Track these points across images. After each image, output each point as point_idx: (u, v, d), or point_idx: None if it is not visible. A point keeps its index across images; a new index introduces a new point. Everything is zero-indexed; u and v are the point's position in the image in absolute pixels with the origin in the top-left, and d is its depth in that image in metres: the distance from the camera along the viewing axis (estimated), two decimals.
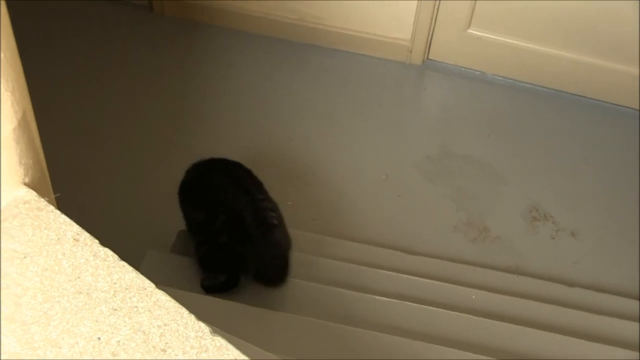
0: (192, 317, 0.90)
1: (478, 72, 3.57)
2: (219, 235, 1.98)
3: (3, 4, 0.90)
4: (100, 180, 2.84)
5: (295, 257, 2.22)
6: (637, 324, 2.28)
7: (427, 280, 2.32)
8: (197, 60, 3.50)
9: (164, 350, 0.86)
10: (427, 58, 3.59)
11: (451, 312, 2.14)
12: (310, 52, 3.60)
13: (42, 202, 1.01)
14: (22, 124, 0.98)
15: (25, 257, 0.94)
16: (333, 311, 2.05)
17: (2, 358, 0.84)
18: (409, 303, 2.13)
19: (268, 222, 1.97)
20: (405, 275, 2.32)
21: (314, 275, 2.21)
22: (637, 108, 3.41)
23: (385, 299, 2.13)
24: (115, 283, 0.92)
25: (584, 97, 3.47)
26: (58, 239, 0.97)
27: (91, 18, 3.66)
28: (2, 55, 0.90)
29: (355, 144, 3.18)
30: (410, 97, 3.59)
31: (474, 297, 2.29)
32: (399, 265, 2.44)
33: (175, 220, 2.34)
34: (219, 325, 0.97)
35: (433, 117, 3.42)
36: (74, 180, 2.72)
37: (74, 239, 0.97)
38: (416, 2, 3.36)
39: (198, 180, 2.14)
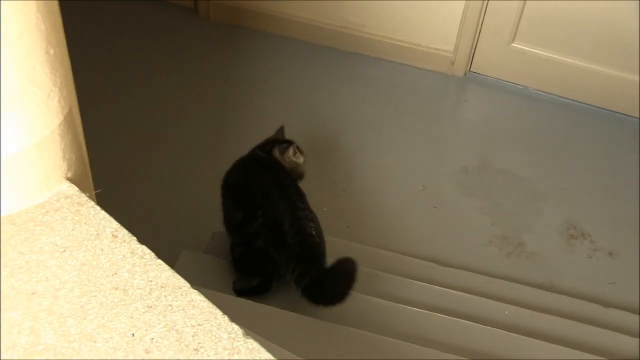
0: (226, 318, 0.90)
1: (520, 87, 3.53)
2: (256, 238, 1.97)
3: (56, 2, 0.92)
4: (140, 179, 2.87)
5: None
6: None
7: (460, 293, 2.29)
8: (241, 64, 3.53)
9: (196, 350, 0.86)
10: (470, 70, 3.57)
11: (483, 326, 2.11)
12: (353, 61, 3.60)
13: (83, 198, 1.02)
14: (68, 119, 0.99)
15: (64, 251, 0.95)
16: (364, 319, 2.03)
17: (39, 349, 0.84)
18: (441, 315, 2.11)
19: (306, 232, 1.95)
20: (438, 287, 2.30)
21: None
22: None
23: (417, 309, 2.11)
24: (151, 281, 0.93)
25: (628, 115, 3.41)
26: (97, 234, 0.98)
27: (137, 19, 3.71)
28: (52, 51, 0.91)
29: (394, 153, 3.16)
30: (450, 109, 3.57)
31: (507, 312, 2.26)
32: (432, 276, 2.42)
33: (210, 222, 2.36)
34: (252, 328, 0.97)
35: (473, 130, 3.39)
36: (114, 178, 2.76)
37: (113, 235, 0.98)
38: (461, 13, 3.35)
39: (242, 177, 2.14)
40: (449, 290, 2.30)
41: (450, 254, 2.71)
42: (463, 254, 2.72)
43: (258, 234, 1.96)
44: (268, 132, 2.99)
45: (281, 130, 2.38)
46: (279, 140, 2.29)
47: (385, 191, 2.96)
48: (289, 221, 1.94)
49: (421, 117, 3.37)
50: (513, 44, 3.41)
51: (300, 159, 2.23)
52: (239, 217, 2.03)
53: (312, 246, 1.95)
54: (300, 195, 2.06)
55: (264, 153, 2.23)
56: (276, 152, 2.22)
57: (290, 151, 2.21)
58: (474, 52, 3.49)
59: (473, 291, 2.33)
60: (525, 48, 3.40)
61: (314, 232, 1.96)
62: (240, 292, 2.05)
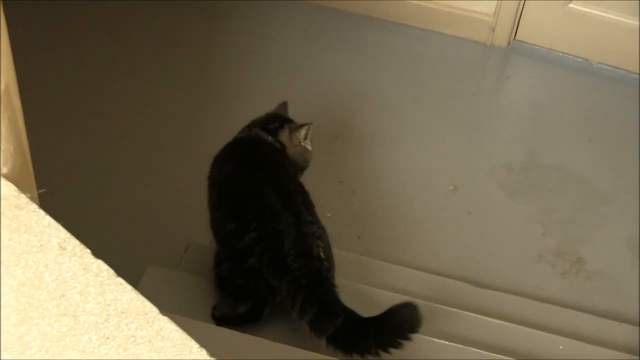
0: (204, 352, 0.90)
1: (580, 60, 3.52)
2: (247, 256, 1.95)
3: None
4: (96, 176, 2.87)
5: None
6: None
7: (501, 322, 2.29)
8: (225, 32, 3.52)
9: None
10: (514, 39, 3.56)
11: None
12: (366, 27, 3.60)
13: (23, 199, 1.02)
14: (4, 100, 0.99)
15: None
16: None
17: None
18: (476, 350, 2.11)
19: (312, 254, 1.92)
20: (473, 314, 2.30)
21: (356, 308, 2.19)
22: None
23: (445, 342, 2.11)
24: (108, 305, 0.93)
25: None
26: (40, 245, 0.98)
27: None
28: None
29: (418, 144, 3.16)
30: (490, 88, 3.56)
31: (561, 347, 2.25)
32: (465, 301, 2.42)
33: (185, 230, 2.36)
34: None
35: (518, 115, 3.38)
36: (63, 174, 2.76)
37: (60, 247, 0.98)
38: None
39: (236, 174, 2.11)
40: (487, 318, 2.29)
41: (489, 272, 2.70)
42: (505, 272, 2.72)
43: (250, 251, 1.93)
44: (258, 112, 2.99)
45: (284, 105, 2.36)
46: (286, 119, 2.27)
47: (405, 192, 2.96)
48: (291, 238, 1.91)
49: (453, 99, 3.37)
50: (570, 4, 3.40)
51: (309, 146, 2.22)
52: (230, 227, 2.01)
53: (319, 273, 1.92)
54: (308, 204, 2.03)
55: (266, 133, 2.21)
56: (284, 135, 2.20)
57: (303, 132, 2.19)
58: (520, 16, 3.48)
59: (518, 319, 2.33)
60: (586, 10, 3.40)
61: (322, 255, 1.93)
62: (221, 320, 2.03)
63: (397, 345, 1.81)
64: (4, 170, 1.03)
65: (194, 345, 0.90)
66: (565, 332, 2.33)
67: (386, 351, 1.81)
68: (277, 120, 2.25)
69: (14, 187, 1.03)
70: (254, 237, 1.93)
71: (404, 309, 1.85)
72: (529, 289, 2.66)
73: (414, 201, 2.94)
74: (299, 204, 1.99)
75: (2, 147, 1.01)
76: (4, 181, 1.03)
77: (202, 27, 3.56)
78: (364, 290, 2.30)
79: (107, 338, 0.90)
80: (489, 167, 3.09)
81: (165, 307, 0.95)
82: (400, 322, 1.84)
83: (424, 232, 2.85)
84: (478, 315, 2.30)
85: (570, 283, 2.72)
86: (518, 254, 2.81)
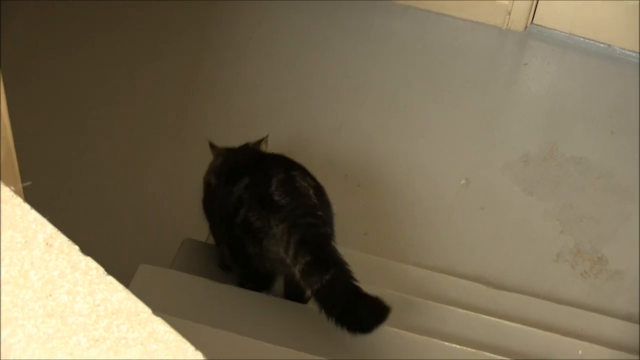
0: (199, 355, 0.90)
1: (602, 45, 3.52)
2: (238, 209, 1.98)
3: None
4: (84, 169, 2.88)
5: None
6: None
7: (517, 325, 2.29)
8: (217, 18, 3.52)
9: None
10: (532, 23, 3.56)
11: None
12: (374, 11, 3.59)
13: (7, 192, 1.02)
14: None
15: None
16: (386, 357, 2.03)
17: None
18: (490, 355, 2.11)
19: (302, 192, 1.98)
20: (486, 317, 2.30)
21: None
22: None
23: (457, 346, 2.11)
24: (98, 305, 0.93)
25: None
26: (25, 242, 0.98)
27: None
28: None
29: (428, 135, 3.16)
30: (505, 76, 3.55)
31: (580, 352, 2.25)
32: (478, 302, 2.42)
33: (179, 226, 2.36)
34: None
35: (535, 105, 3.37)
36: (50, 166, 2.76)
37: (47, 243, 0.98)
38: None
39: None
40: (501, 321, 2.29)
41: (504, 272, 2.70)
42: (521, 272, 2.72)
43: (240, 201, 1.98)
44: (257, 108, 3.00)
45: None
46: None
47: (415, 187, 2.96)
48: (279, 179, 1.98)
49: (465, 88, 3.36)
50: None
51: None
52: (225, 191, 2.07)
53: (312, 215, 1.96)
54: (304, 169, 2.10)
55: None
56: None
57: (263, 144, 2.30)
58: None
59: (535, 322, 2.33)
60: None
61: (315, 201, 1.98)
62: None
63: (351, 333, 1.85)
64: None
65: (189, 347, 0.90)
66: (584, 336, 2.33)
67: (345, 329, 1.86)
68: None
69: None
70: (244, 185, 2.00)
71: (380, 306, 1.88)
72: (546, 290, 2.67)
73: (423, 196, 2.94)
74: (294, 167, 2.08)
75: None
76: None
77: (201, 16, 3.55)
78: (371, 291, 2.30)
79: (97, 340, 0.90)
80: (503, 160, 3.09)
81: (159, 308, 0.95)
82: (365, 317, 1.88)
83: (434, 229, 2.85)
84: (491, 318, 2.30)
85: (591, 284, 2.72)
86: (535, 253, 2.81)
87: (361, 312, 1.88)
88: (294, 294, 2.12)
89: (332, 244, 1.96)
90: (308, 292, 1.89)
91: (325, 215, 2.00)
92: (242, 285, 2.14)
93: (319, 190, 2.05)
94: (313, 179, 2.07)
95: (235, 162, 2.17)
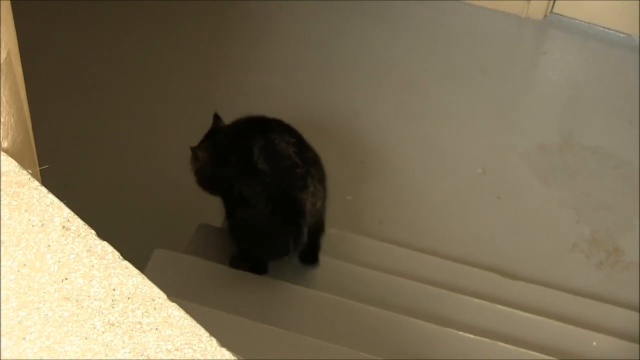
0: (214, 341, 0.90)
1: (622, 35, 3.50)
2: (230, 184, 2.05)
3: None
4: (101, 152, 2.88)
5: (355, 271, 2.21)
6: None
7: (531, 316, 2.29)
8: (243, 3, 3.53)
9: None
10: (551, 11, 3.54)
11: None
12: None
13: (24, 176, 1.03)
14: (5, 69, 0.99)
15: None
16: (399, 346, 2.04)
17: None
18: (505, 345, 2.11)
19: (283, 153, 2.03)
20: (501, 307, 2.30)
21: (378, 297, 2.20)
22: None
23: (471, 336, 2.11)
24: (114, 289, 0.93)
25: None
26: (42, 225, 0.98)
27: None
28: None
29: (444, 123, 3.15)
30: (524, 64, 3.54)
31: (594, 343, 2.25)
32: (493, 292, 2.42)
33: (195, 211, 2.36)
34: (249, 353, 0.98)
35: (553, 93, 3.36)
36: (67, 150, 2.77)
37: (63, 227, 0.98)
38: None
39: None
40: (516, 311, 2.29)
41: (519, 262, 2.69)
42: (536, 262, 2.71)
43: (230, 178, 2.06)
44: (274, 90, 2.99)
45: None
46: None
47: (430, 174, 2.95)
48: (259, 145, 2.02)
49: (483, 75, 3.35)
50: None
51: None
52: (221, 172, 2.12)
53: (289, 170, 2.03)
54: (293, 131, 2.14)
55: None
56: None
57: None
58: None
59: (549, 313, 2.32)
60: None
61: (292, 153, 2.03)
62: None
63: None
64: (4, 144, 1.03)
65: (203, 333, 0.90)
66: (599, 328, 2.32)
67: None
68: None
69: (14, 163, 1.03)
70: (232, 162, 2.08)
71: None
72: (561, 280, 2.66)
73: (439, 184, 2.93)
74: (279, 129, 2.12)
75: (2, 120, 1.02)
76: (4, 156, 1.03)
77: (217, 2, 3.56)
78: (386, 279, 2.30)
79: (112, 325, 0.90)
80: (520, 148, 3.07)
81: (173, 293, 0.96)
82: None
83: (449, 217, 2.84)
84: (506, 308, 2.30)
85: (606, 275, 2.71)
86: (550, 243, 2.80)
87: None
88: (307, 255, 2.21)
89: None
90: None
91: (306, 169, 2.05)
92: (235, 265, 2.19)
93: (314, 158, 2.11)
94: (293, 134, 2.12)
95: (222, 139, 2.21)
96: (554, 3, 3.51)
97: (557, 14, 3.54)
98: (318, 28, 3.47)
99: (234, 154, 2.08)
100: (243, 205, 2.04)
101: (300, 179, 2.02)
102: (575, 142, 3.12)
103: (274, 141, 2.05)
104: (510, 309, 2.30)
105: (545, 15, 3.54)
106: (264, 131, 2.08)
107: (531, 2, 3.49)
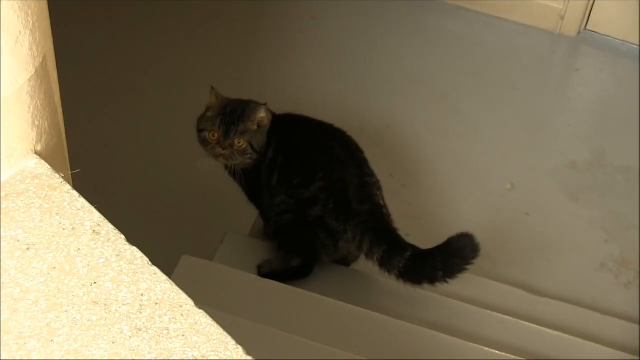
0: (240, 350, 0.90)
1: None
2: (312, 204, 2.11)
3: None
4: (132, 158, 2.90)
5: (380, 285, 2.21)
6: None
7: (557, 333, 2.27)
8: (273, 9, 3.53)
9: None
10: (585, 28, 3.52)
11: None
12: (422, 9, 3.58)
13: (56, 179, 1.03)
14: (41, 73, 1.00)
15: (28, 249, 0.96)
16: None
17: None
18: None
19: (374, 201, 2.15)
20: (527, 323, 2.28)
21: (404, 310, 2.19)
22: None
23: (495, 352, 2.10)
24: (142, 295, 0.93)
25: None
26: (73, 229, 0.99)
27: None
28: None
29: (474, 138, 3.14)
30: (556, 81, 3.52)
31: None
32: (519, 308, 2.40)
33: (223, 219, 2.37)
34: None
35: (585, 111, 3.34)
36: (99, 154, 2.78)
37: (94, 230, 0.99)
38: None
39: (301, 134, 2.29)
40: (541, 328, 2.27)
41: (546, 279, 2.68)
42: (563, 280, 2.70)
43: (315, 200, 2.11)
44: (308, 100, 3.00)
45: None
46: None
47: (459, 189, 2.95)
48: (354, 187, 2.13)
49: (515, 90, 3.34)
50: None
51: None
52: (296, 181, 2.15)
53: (383, 216, 2.17)
54: (366, 161, 2.25)
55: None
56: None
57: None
58: (592, 3, 3.44)
59: (576, 332, 2.31)
60: None
61: (382, 202, 2.18)
62: (268, 276, 2.18)
63: (462, 270, 2.11)
64: (38, 147, 1.04)
65: (230, 341, 0.90)
66: (627, 348, 2.30)
67: (453, 276, 2.12)
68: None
69: (47, 166, 1.04)
70: (320, 187, 2.12)
71: (463, 238, 2.15)
72: (588, 299, 2.64)
73: (467, 199, 2.92)
74: (360, 159, 2.24)
75: (36, 123, 1.02)
76: (37, 159, 1.04)
77: (249, 5, 3.56)
78: (411, 292, 2.30)
79: (139, 330, 0.90)
80: (550, 165, 3.06)
81: (199, 300, 0.96)
82: (462, 248, 2.13)
83: (477, 232, 2.80)
84: (532, 325, 2.28)
85: (635, 295, 2.69)
86: (578, 261, 2.78)
87: (455, 258, 2.14)
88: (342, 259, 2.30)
89: (399, 233, 2.18)
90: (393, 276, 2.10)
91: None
92: (264, 274, 2.22)
93: (382, 188, 2.23)
94: (374, 174, 2.24)
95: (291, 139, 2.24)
96: (587, 20, 3.49)
97: (590, 30, 3.52)
98: (350, 40, 3.47)
99: (320, 178, 2.13)
100: (321, 227, 2.13)
101: (392, 224, 2.19)
102: (606, 160, 3.10)
103: (366, 181, 2.18)
104: (536, 326, 2.28)
105: (579, 32, 3.52)
106: (350, 157, 2.21)
107: (565, 18, 3.47)
